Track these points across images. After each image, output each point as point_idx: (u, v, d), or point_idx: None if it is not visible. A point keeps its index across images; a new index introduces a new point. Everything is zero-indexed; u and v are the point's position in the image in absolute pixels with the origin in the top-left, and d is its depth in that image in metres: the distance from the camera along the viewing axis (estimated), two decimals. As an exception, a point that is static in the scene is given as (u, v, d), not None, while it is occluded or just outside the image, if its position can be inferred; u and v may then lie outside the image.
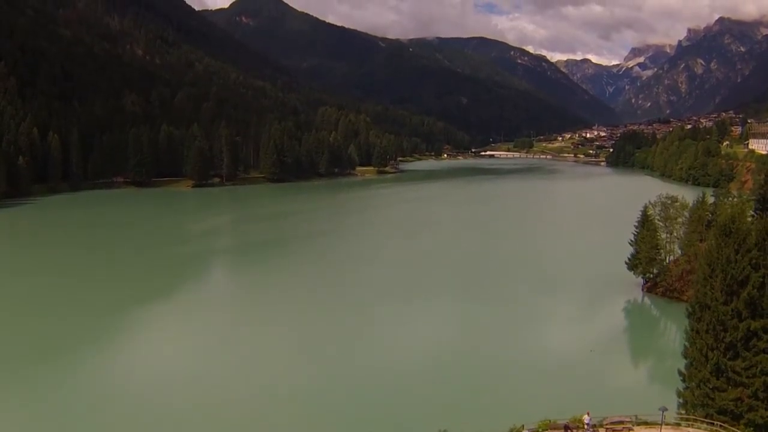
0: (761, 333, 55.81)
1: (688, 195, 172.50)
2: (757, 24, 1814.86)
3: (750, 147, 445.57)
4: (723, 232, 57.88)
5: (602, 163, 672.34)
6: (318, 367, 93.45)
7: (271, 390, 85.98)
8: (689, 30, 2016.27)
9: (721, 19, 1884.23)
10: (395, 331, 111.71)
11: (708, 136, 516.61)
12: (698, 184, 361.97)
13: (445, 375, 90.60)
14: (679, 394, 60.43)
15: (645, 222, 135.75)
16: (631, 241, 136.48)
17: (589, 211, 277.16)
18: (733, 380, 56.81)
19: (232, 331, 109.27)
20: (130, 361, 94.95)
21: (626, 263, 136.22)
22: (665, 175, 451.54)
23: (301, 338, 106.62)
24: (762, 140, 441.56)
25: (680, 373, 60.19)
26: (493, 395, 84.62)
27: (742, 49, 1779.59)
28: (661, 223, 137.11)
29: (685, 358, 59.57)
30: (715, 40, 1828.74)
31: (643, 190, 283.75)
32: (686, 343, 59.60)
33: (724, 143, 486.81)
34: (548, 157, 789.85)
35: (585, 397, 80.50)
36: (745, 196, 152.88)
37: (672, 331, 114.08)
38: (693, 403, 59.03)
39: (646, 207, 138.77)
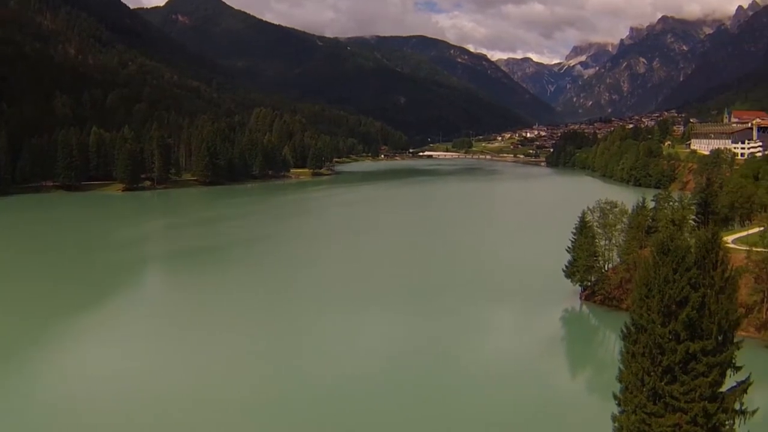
0: (700, 356, 53.60)
1: (629, 196, 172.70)
2: (700, 23, 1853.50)
3: (692, 147, 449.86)
4: (661, 251, 55.56)
5: (542, 164, 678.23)
6: (252, 374, 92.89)
7: (205, 399, 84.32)
8: (632, 29, 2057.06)
9: (664, 18, 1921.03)
10: (331, 340, 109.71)
11: (650, 136, 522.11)
12: (640, 185, 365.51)
13: (378, 385, 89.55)
14: (615, 419, 57.86)
15: (583, 228, 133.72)
16: (569, 248, 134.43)
17: (528, 215, 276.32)
18: (671, 405, 54.38)
19: (166, 340, 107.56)
20: (59, 372, 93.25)
21: (563, 271, 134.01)
22: (606, 175, 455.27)
23: (236, 347, 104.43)
24: (704, 140, 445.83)
25: (615, 397, 57.70)
26: (424, 407, 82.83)
27: (685, 48, 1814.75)
28: (599, 230, 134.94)
29: (620, 382, 57.08)
30: (657, 39, 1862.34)
31: (584, 191, 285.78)
32: (621, 366, 57.11)
33: (666, 143, 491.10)
34: (487, 157, 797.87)
35: (520, 412, 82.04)
36: (686, 200, 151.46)
37: (611, 340, 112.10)
38: (629, 429, 56.57)
39: (584, 213, 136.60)
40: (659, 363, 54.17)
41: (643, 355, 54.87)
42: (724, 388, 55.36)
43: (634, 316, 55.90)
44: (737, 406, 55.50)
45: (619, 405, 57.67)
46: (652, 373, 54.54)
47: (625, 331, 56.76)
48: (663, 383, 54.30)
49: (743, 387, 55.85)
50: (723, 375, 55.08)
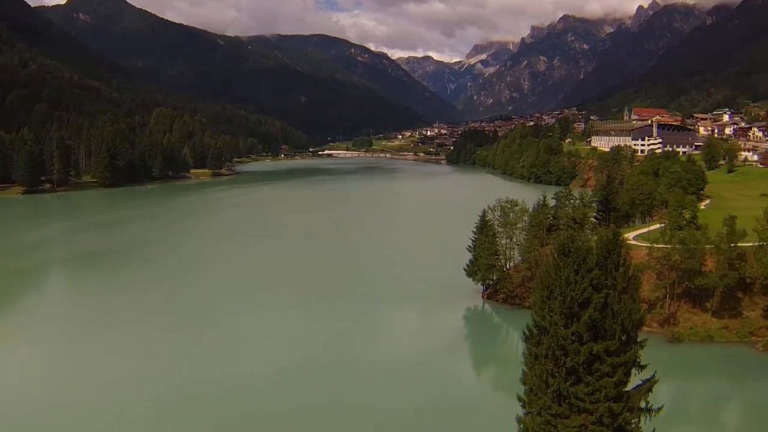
0: (604, 356, 53.58)
1: (529, 193, 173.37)
2: (601, 22, 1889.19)
3: (592, 144, 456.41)
4: (561, 252, 55.40)
5: (443, 161, 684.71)
6: (156, 378, 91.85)
7: (110, 404, 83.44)
8: (533, 27, 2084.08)
9: (565, 17, 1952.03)
10: (235, 342, 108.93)
11: (550, 134, 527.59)
12: (540, 182, 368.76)
13: (281, 387, 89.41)
14: (520, 421, 57.41)
15: (483, 227, 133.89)
16: (469, 247, 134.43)
17: (429, 213, 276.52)
18: (576, 406, 54.13)
19: (69, 345, 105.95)
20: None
21: (465, 270, 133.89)
22: (507, 173, 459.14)
23: (138, 351, 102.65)
24: (604, 137, 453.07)
25: (520, 398, 57.18)
26: (329, 409, 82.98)
27: (586, 46, 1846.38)
28: (500, 229, 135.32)
29: (524, 384, 56.57)
30: (558, 38, 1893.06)
31: (485, 189, 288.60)
32: (524, 368, 56.63)
33: (567, 141, 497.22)
34: (387, 155, 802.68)
35: (425, 411, 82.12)
36: (587, 198, 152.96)
37: (514, 339, 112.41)
38: (534, 431, 56.17)
39: (484, 212, 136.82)
40: (563, 364, 53.87)
41: (547, 357, 54.55)
42: (629, 387, 55.45)
43: (536, 318, 55.65)
44: (643, 405, 55.65)
45: (523, 407, 57.19)
46: (556, 375, 54.17)
47: (527, 333, 56.37)
48: (567, 384, 54.03)
49: (648, 385, 56.06)
50: (628, 374, 55.25)
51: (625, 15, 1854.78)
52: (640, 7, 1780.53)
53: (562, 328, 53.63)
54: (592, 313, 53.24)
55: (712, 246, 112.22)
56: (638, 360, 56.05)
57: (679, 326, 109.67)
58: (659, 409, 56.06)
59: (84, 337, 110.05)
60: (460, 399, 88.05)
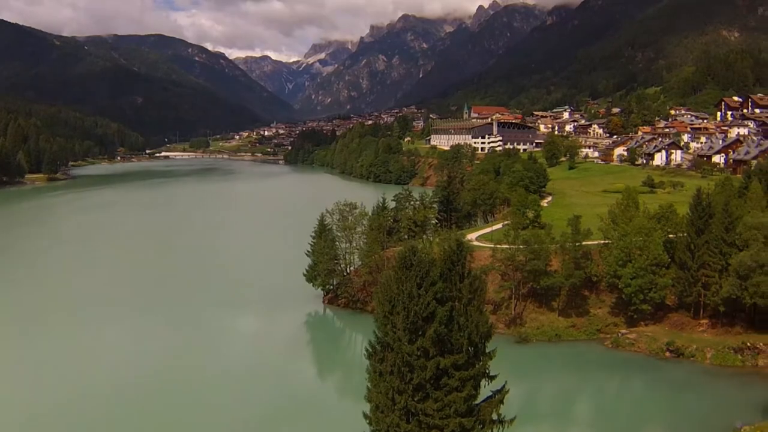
0: (452, 371, 52.92)
1: (369, 193, 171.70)
2: (441, 22, 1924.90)
3: (432, 143, 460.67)
4: (403, 265, 53.78)
5: (281, 162, 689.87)
6: None
7: None
8: (372, 27, 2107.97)
9: (404, 17, 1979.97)
10: (66, 357, 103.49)
11: (389, 133, 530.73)
12: (380, 181, 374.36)
13: (119, 403, 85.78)
14: (367, 440, 55.45)
15: (322, 232, 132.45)
16: (308, 252, 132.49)
17: (268, 216, 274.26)
18: (425, 423, 53.29)
19: None
20: None
21: (304, 275, 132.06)
22: (345, 172, 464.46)
23: None
24: (444, 136, 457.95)
25: (366, 416, 55.15)
26: (168, 420, 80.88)
27: (425, 45, 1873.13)
28: (339, 233, 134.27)
29: (369, 401, 54.50)
30: (398, 37, 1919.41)
31: (324, 190, 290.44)
32: (369, 385, 54.36)
33: (406, 139, 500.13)
34: (225, 156, 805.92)
35: (268, 417, 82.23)
36: (428, 199, 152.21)
37: (357, 344, 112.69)
38: (383, 450, 54.24)
39: (322, 216, 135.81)
40: (410, 381, 53.09)
41: (392, 374, 53.61)
42: (479, 400, 55.11)
43: (379, 334, 54.73)
44: (494, 417, 55.35)
45: (370, 424, 55.63)
46: (403, 392, 53.24)
47: (370, 349, 54.89)
48: (415, 401, 53.39)
49: (499, 397, 55.91)
50: (477, 387, 54.84)
51: (465, 15, 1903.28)
52: (481, 7, 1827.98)
53: (406, 344, 52.83)
54: (438, 328, 52.66)
55: (557, 246, 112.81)
56: (488, 371, 55.57)
57: (526, 326, 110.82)
58: (512, 420, 55.72)
59: None
60: (304, 406, 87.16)
